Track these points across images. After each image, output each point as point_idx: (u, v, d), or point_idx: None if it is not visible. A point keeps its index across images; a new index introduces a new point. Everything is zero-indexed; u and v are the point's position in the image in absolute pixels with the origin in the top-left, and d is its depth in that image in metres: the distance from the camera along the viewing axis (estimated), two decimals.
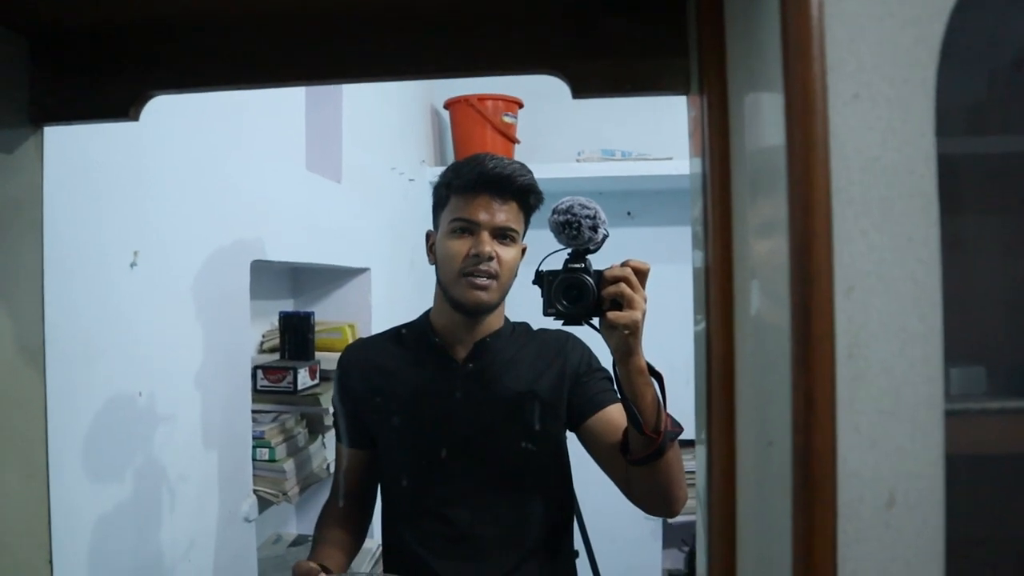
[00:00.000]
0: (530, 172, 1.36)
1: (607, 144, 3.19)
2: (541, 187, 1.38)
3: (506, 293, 1.37)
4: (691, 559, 3.62)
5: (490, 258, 1.29)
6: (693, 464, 3.42)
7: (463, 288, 1.30)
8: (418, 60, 0.80)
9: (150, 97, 0.85)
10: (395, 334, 1.47)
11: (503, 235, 1.32)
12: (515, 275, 1.37)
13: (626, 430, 1.21)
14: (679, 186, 3.39)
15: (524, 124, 3.18)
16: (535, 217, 1.41)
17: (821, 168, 0.43)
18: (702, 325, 0.66)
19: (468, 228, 1.31)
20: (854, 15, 0.45)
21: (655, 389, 1.16)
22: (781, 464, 0.46)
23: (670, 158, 3.13)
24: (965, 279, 0.53)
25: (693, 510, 3.52)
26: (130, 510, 1.21)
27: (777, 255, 0.48)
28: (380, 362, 1.42)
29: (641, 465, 1.19)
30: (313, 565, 1.25)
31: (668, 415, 1.18)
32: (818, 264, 0.43)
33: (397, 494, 1.40)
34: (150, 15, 0.82)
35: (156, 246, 1.24)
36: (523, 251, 1.40)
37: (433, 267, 1.42)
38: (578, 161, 3.16)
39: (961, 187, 0.52)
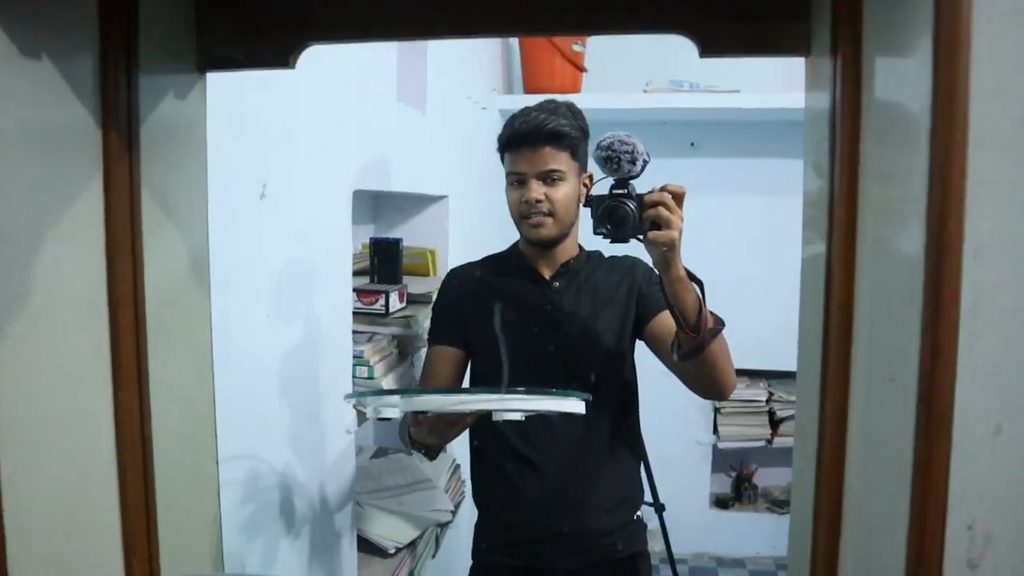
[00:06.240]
0: (560, 114, 1.47)
1: (675, 75, 3.19)
2: (606, 116, 1.52)
3: (568, 224, 1.52)
4: (737, 483, 3.77)
5: (538, 201, 1.46)
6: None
7: (526, 229, 1.51)
8: (554, 18, 0.87)
9: (307, 47, 0.93)
10: (492, 259, 1.66)
11: (548, 177, 1.47)
12: (575, 206, 1.52)
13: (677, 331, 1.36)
14: (744, 119, 3.38)
15: (593, 53, 3.19)
16: None
17: (958, 155, 0.51)
18: (819, 247, 0.71)
19: (519, 179, 1.49)
20: (999, 15, 0.51)
21: (696, 293, 1.30)
22: (904, 398, 0.56)
23: (738, 90, 3.12)
24: None
25: (737, 436, 3.64)
26: (264, 419, 1.35)
27: (904, 203, 0.56)
28: (481, 276, 1.62)
29: (688, 359, 1.34)
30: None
31: (710, 313, 1.33)
32: (952, 237, 0.51)
33: None
34: None
35: (279, 179, 1.35)
36: (590, 178, 1.53)
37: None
38: (645, 92, 3.17)
39: None
